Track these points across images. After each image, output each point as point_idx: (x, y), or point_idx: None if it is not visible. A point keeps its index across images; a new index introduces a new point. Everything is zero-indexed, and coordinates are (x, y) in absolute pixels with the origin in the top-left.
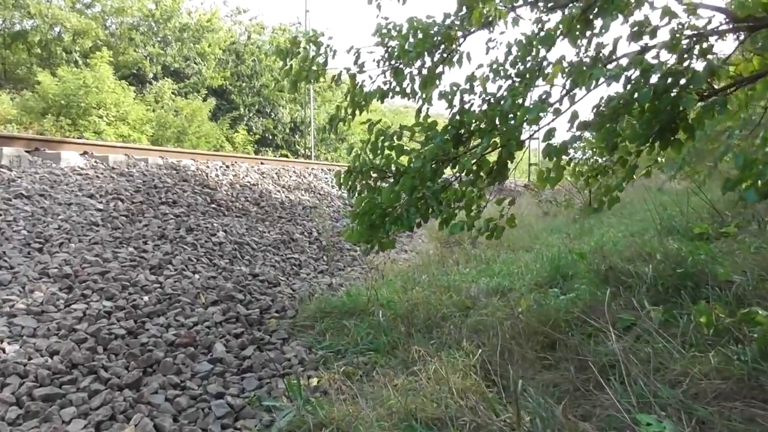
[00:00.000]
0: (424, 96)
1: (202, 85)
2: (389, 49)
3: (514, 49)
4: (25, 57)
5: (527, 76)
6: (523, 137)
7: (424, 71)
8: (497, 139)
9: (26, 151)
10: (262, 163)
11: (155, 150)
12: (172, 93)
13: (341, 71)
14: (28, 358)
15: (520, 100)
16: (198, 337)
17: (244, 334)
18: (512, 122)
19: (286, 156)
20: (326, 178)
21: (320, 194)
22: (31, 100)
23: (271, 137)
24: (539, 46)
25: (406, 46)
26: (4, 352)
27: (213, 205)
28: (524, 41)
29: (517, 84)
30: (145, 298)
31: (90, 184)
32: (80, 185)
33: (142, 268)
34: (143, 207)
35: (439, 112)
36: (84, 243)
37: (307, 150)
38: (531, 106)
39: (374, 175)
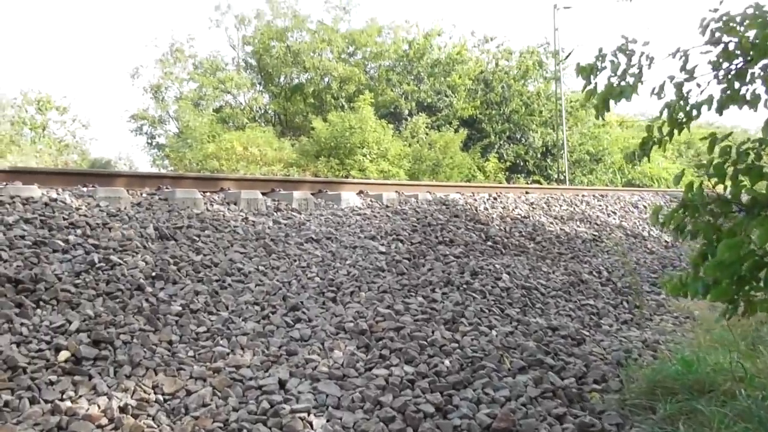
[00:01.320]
0: None
1: (454, 116)
2: (726, 46)
3: None
4: (302, 107)
5: None
6: None
7: None
8: None
9: (311, 194)
10: (527, 192)
11: (423, 185)
12: (426, 127)
13: (664, 81)
14: None
15: None
16: (516, 419)
17: (566, 416)
18: None
19: (539, 182)
20: (599, 206)
21: (597, 224)
22: (307, 145)
23: (522, 163)
24: None
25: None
26: (311, 427)
27: (489, 243)
28: None
29: None
30: (446, 362)
31: (369, 225)
32: (361, 226)
33: (435, 322)
34: (422, 248)
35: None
36: (373, 291)
37: (561, 174)
38: None
39: (716, 210)
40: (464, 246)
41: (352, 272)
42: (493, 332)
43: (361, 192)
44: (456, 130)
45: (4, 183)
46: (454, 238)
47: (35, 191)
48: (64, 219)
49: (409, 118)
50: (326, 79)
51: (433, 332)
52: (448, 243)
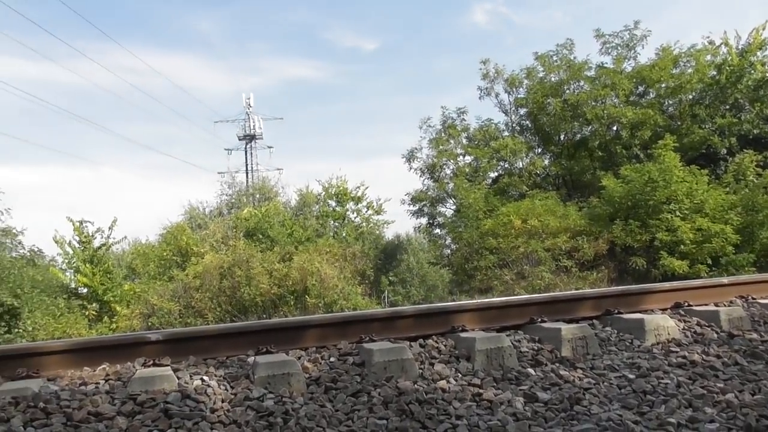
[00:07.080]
0: None
1: None
2: None
3: None
4: (588, 163)
5: None
6: None
7: None
8: None
9: (593, 321)
10: None
11: None
12: (756, 165)
13: None
14: None
15: None
16: None
17: None
18: None
19: None
20: None
21: None
22: (598, 207)
23: None
24: None
25: None
26: None
27: None
28: None
29: None
30: None
31: (706, 395)
32: (689, 401)
33: None
34: None
35: None
36: None
37: None
38: None
39: None
40: None
41: None
42: None
43: (677, 306)
44: None
45: (132, 367)
46: None
47: (172, 381)
48: None
49: (729, 158)
50: (614, 128)
51: None
52: None
